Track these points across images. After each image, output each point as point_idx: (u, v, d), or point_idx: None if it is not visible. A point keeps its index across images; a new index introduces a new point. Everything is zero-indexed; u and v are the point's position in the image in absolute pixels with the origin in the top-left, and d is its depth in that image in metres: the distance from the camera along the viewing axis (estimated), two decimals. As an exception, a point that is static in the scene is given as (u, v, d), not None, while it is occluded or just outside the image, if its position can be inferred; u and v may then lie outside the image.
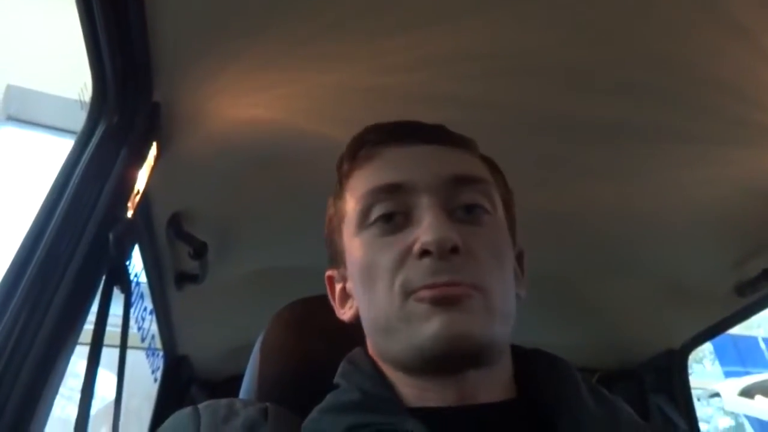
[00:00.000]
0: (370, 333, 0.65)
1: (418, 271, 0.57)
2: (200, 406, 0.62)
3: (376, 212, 0.62)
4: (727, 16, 0.85)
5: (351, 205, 0.66)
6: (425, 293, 0.56)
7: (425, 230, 0.57)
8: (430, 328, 0.55)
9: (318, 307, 0.73)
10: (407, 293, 0.57)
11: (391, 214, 0.62)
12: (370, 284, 0.61)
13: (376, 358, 0.65)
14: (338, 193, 0.70)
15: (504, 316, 0.59)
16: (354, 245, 0.64)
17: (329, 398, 0.61)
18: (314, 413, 0.60)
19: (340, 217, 0.68)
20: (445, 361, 0.56)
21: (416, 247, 0.57)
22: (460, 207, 0.62)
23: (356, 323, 0.68)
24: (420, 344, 0.56)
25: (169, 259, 1.31)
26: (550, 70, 0.95)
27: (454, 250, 0.57)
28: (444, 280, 0.56)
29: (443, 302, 0.55)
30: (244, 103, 1.00)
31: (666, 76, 0.96)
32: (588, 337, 1.79)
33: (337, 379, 0.64)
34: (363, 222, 0.63)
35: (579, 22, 0.87)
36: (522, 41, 0.90)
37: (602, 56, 0.92)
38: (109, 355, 0.85)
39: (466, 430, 0.57)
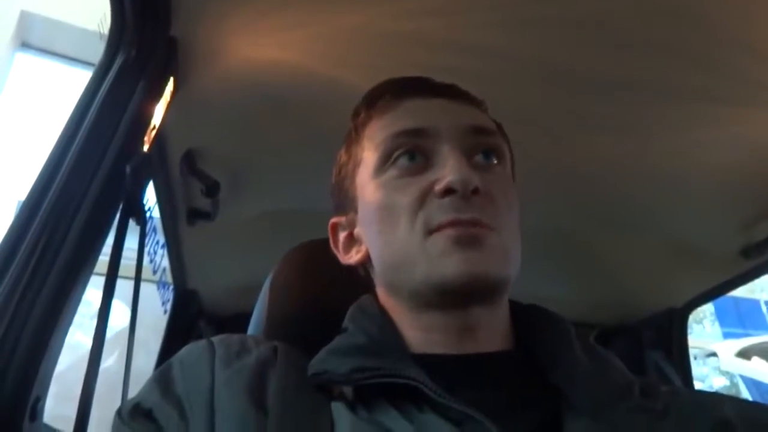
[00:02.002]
0: (383, 271, 0.66)
1: (440, 209, 0.60)
2: (214, 339, 0.64)
3: (398, 154, 0.65)
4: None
5: (370, 150, 0.68)
6: (449, 231, 0.58)
7: (450, 170, 0.60)
8: (450, 264, 0.58)
9: (327, 249, 0.74)
10: (429, 230, 0.60)
11: (414, 153, 0.64)
12: (389, 224, 0.63)
13: (384, 302, 0.67)
14: (354, 140, 0.72)
15: (514, 258, 0.62)
16: (370, 188, 0.66)
17: (337, 340, 0.63)
18: (321, 353, 0.62)
19: (355, 163, 0.70)
20: (460, 293, 0.59)
21: (439, 187, 0.60)
22: (478, 153, 0.65)
23: (363, 269, 0.71)
24: (439, 278, 0.58)
25: (182, 195, 1.32)
26: (571, 22, 0.94)
27: (475, 191, 0.59)
28: (467, 217, 0.59)
29: (464, 241, 0.58)
30: (262, 42, 1.00)
31: (686, 33, 0.94)
32: (590, 291, 1.80)
33: (345, 323, 0.66)
34: (383, 164, 0.65)
35: None
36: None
37: (624, 11, 0.91)
38: (119, 286, 0.87)
39: (465, 376, 0.59)
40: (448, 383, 0.54)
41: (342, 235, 0.72)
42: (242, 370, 0.58)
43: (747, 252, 1.48)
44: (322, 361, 0.60)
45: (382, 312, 0.65)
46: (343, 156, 0.74)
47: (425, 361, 0.58)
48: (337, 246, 0.73)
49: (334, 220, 0.74)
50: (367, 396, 0.56)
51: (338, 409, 0.56)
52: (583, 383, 0.58)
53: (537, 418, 0.56)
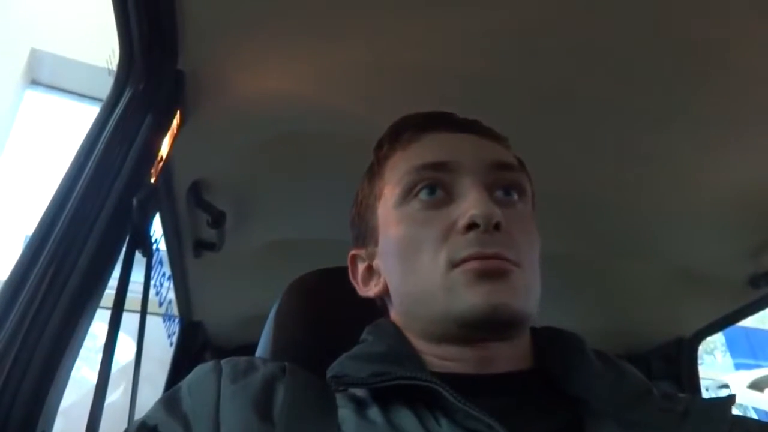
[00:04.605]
0: (402, 303, 0.66)
1: (464, 243, 0.60)
2: (222, 360, 0.64)
3: (420, 186, 0.65)
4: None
5: (392, 183, 0.68)
6: (473, 264, 0.59)
7: (473, 204, 0.60)
8: (473, 297, 0.58)
9: (332, 278, 0.74)
10: (452, 264, 0.60)
11: (434, 187, 0.64)
12: (411, 257, 0.63)
13: (401, 327, 0.67)
14: (375, 173, 0.73)
15: (535, 295, 0.62)
16: (392, 221, 0.66)
17: (356, 348, 0.64)
18: (341, 358, 0.62)
19: (376, 196, 0.71)
20: (480, 326, 0.58)
21: (462, 222, 0.60)
22: (499, 189, 0.65)
23: (380, 300, 0.71)
24: (460, 311, 0.58)
25: (188, 227, 1.33)
26: (576, 51, 0.95)
27: (497, 226, 0.60)
28: (491, 251, 0.59)
29: (489, 274, 0.58)
30: (267, 75, 1.01)
31: (693, 58, 0.95)
32: (597, 320, 1.78)
33: (363, 336, 0.66)
34: (405, 197, 0.66)
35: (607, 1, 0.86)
36: (547, 20, 0.89)
37: (629, 37, 0.92)
38: (124, 319, 0.87)
39: (484, 392, 0.59)
40: (465, 396, 0.54)
41: (361, 267, 0.73)
42: (248, 385, 0.58)
43: (755, 281, 1.47)
44: (342, 365, 0.61)
45: (399, 331, 0.66)
46: (365, 188, 0.74)
47: (442, 377, 0.57)
48: (356, 278, 0.73)
49: (353, 251, 0.74)
50: (383, 399, 0.56)
51: (346, 416, 0.56)
52: (602, 389, 0.58)
53: (556, 427, 0.56)
